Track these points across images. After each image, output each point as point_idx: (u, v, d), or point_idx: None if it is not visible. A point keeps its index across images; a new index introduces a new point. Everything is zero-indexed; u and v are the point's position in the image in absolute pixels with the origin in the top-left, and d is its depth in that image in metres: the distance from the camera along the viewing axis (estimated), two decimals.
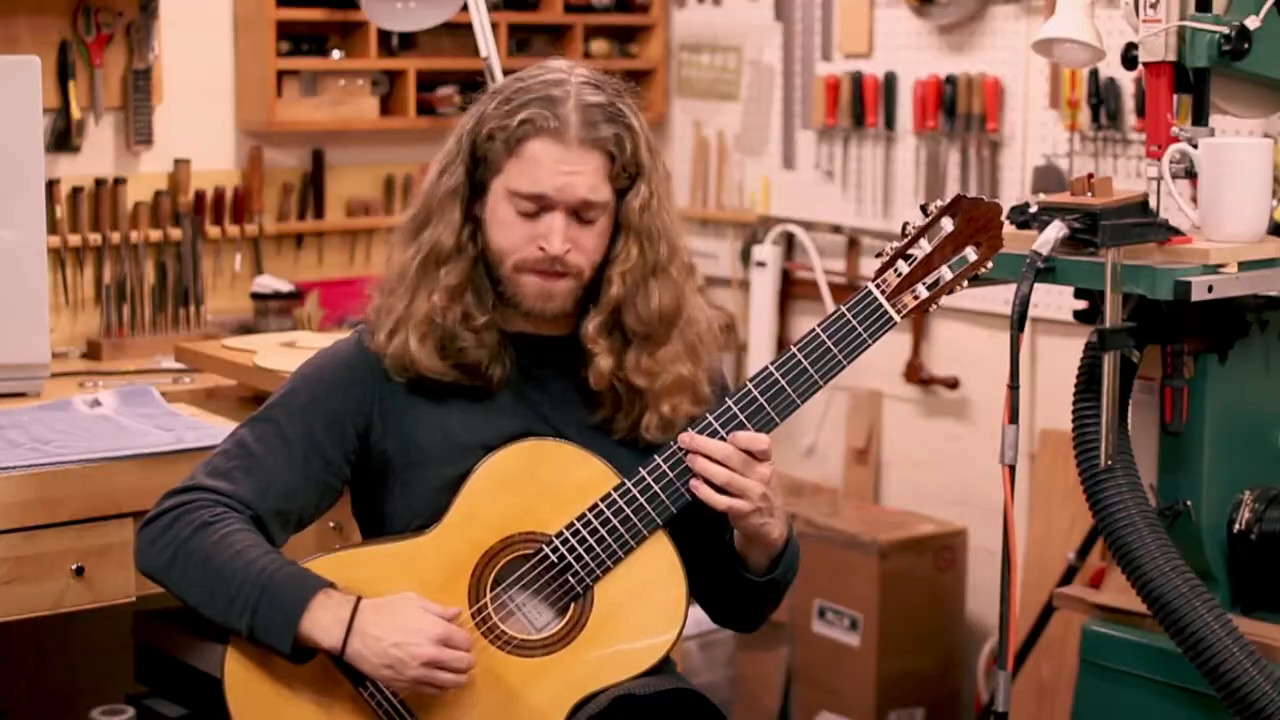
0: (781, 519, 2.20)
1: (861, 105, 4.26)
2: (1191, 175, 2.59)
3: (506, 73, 3.49)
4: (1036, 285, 2.45)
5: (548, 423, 2.22)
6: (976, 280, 2.20)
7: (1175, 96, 2.64)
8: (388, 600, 2.09)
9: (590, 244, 2.17)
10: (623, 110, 2.18)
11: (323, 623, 2.07)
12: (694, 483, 2.13)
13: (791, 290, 4.52)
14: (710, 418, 2.15)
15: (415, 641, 2.05)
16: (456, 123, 2.26)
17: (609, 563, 2.15)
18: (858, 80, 4.26)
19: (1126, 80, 3.68)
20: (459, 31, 4.06)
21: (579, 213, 2.16)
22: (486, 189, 2.19)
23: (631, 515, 2.14)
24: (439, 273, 2.19)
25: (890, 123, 4.22)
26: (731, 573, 2.24)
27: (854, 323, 2.15)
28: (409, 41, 4.34)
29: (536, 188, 2.14)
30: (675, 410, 2.20)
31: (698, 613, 2.32)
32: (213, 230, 4.06)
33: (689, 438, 2.13)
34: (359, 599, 2.09)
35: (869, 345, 2.16)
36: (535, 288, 2.17)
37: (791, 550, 2.25)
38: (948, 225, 2.15)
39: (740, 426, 2.14)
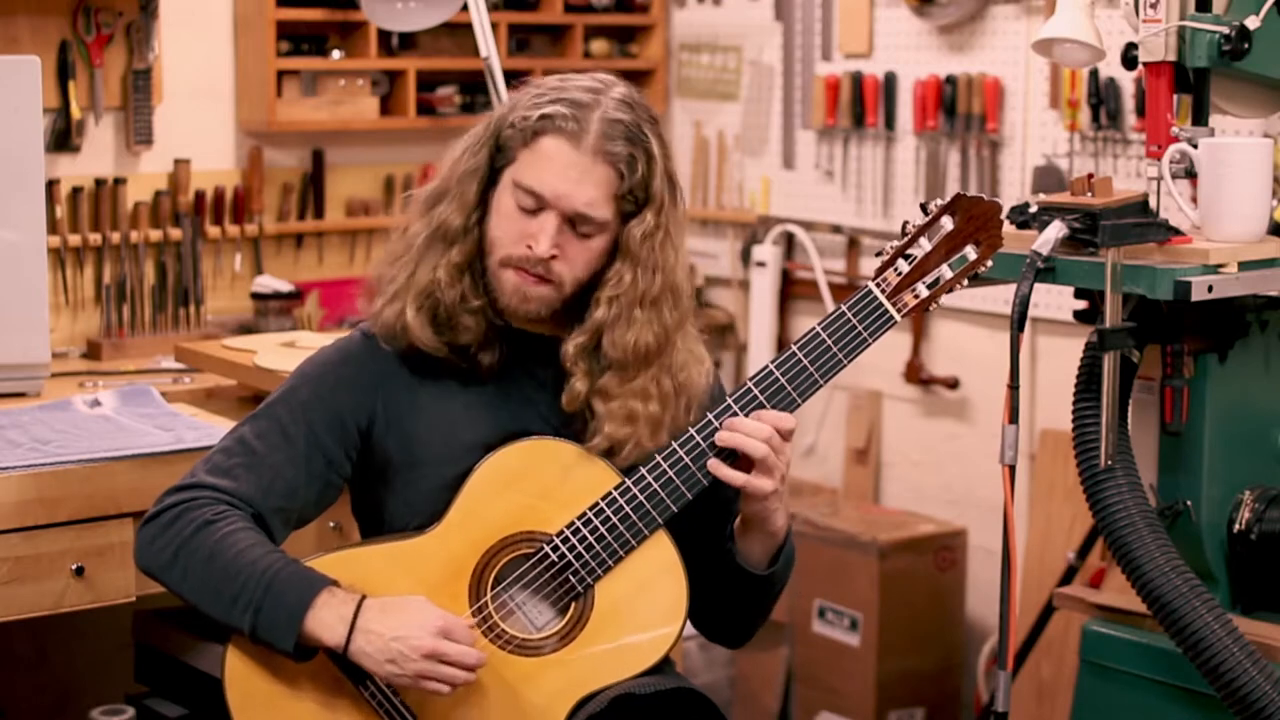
0: (785, 509, 2.20)
1: (861, 105, 4.26)
2: (1191, 175, 2.59)
3: (506, 73, 3.50)
4: (1036, 285, 2.45)
5: (548, 422, 2.22)
6: (976, 279, 2.20)
7: (1175, 96, 2.64)
8: (392, 599, 2.10)
9: (579, 258, 2.16)
10: (646, 135, 2.17)
11: (326, 621, 2.07)
12: (712, 462, 2.13)
13: (791, 290, 4.52)
14: (710, 415, 2.15)
15: (416, 635, 2.05)
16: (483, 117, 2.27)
17: (610, 562, 2.15)
18: (858, 80, 4.26)
19: (1126, 80, 3.68)
20: (459, 31, 4.06)
21: (574, 223, 2.15)
22: (497, 178, 2.19)
23: (632, 514, 2.14)
24: (447, 250, 2.19)
25: (890, 123, 4.22)
26: (730, 568, 2.23)
27: (854, 322, 2.15)
28: (409, 41, 4.34)
29: (538, 186, 2.14)
30: (622, 441, 2.16)
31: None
32: (213, 230, 4.06)
33: (728, 423, 2.13)
34: (363, 597, 2.09)
35: (869, 344, 2.16)
36: (513, 285, 2.17)
37: (789, 549, 2.25)
38: (947, 224, 2.15)
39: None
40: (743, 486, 2.13)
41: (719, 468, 2.13)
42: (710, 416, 2.15)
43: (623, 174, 2.15)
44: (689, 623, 2.21)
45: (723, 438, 2.13)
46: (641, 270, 2.17)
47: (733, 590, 2.26)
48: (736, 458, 2.14)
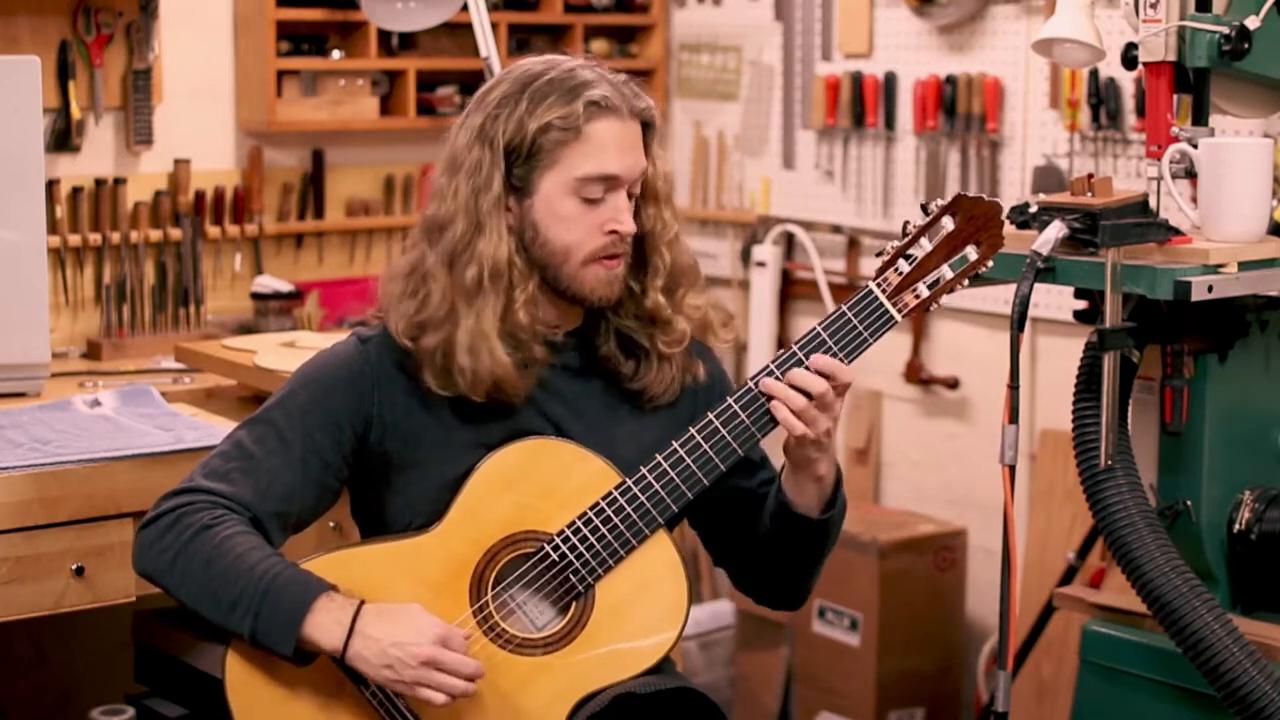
0: (831, 459, 2.18)
1: (861, 105, 4.26)
2: (1191, 175, 2.59)
3: None
4: (1036, 285, 2.45)
5: (552, 418, 2.22)
6: (977, 279, 2.20)
7: (1175, 96, 2.64)
8: (390, 605, 2.10)
9: (634, 217, 2.21)
10: (633, 81, 2.23)
11: (325, 625, 2.07)
12: (774, 403, 2.12)
13: (791, 290, 4.52)
14: (711, 415, 2.15)
15: (415, 641, 2.05)
16: (452, 130, 2.23)
17: (610, 561, 2.15)
18: (858, 80, 4.26)
19: (1126, 80, 3.68)
20: (459, 31, 4.06)
21: (630, 189, 2.19)
22: (532, 188, 2.17)
23: (633, 514, 2.14)
24: (508, 288, 2.16)
25: (890, 123, 4.22)
26: (784, 517, 2.20)
27: (855, 322, 2.15)
28: (409, 41, 4.34)
29: (607, 168, 2.15)
30: (728, 334, 2.30)
31: (698, 612, 2.32)
32: (213, 230, 4.06)
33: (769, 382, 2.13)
34: (361, 602, 2.09)
35: (870, 344, 2.16)
36: (603, 276, 2.18)
37: (841, 498, 2.24)
38: (948, 224, 2.15)
39: (741, 424, 2.14)
40: (789, 427, 2.12)
41: (771, 400, 2.12)
42: (711, 416, 2.15)
43: (650, 124, 2.21)
44: (692, 616, 2.20)
45: (766, 385, 2.12)
46: (669, 206, 2.25)
47: (787, 540, 2.23)
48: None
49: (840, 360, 2.14)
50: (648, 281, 2.24)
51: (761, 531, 2.25)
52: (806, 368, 2.13)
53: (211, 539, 2.11)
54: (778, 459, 2.25)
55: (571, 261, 2.17)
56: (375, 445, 2.22)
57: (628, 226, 2.17)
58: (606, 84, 2.17)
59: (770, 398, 2.12)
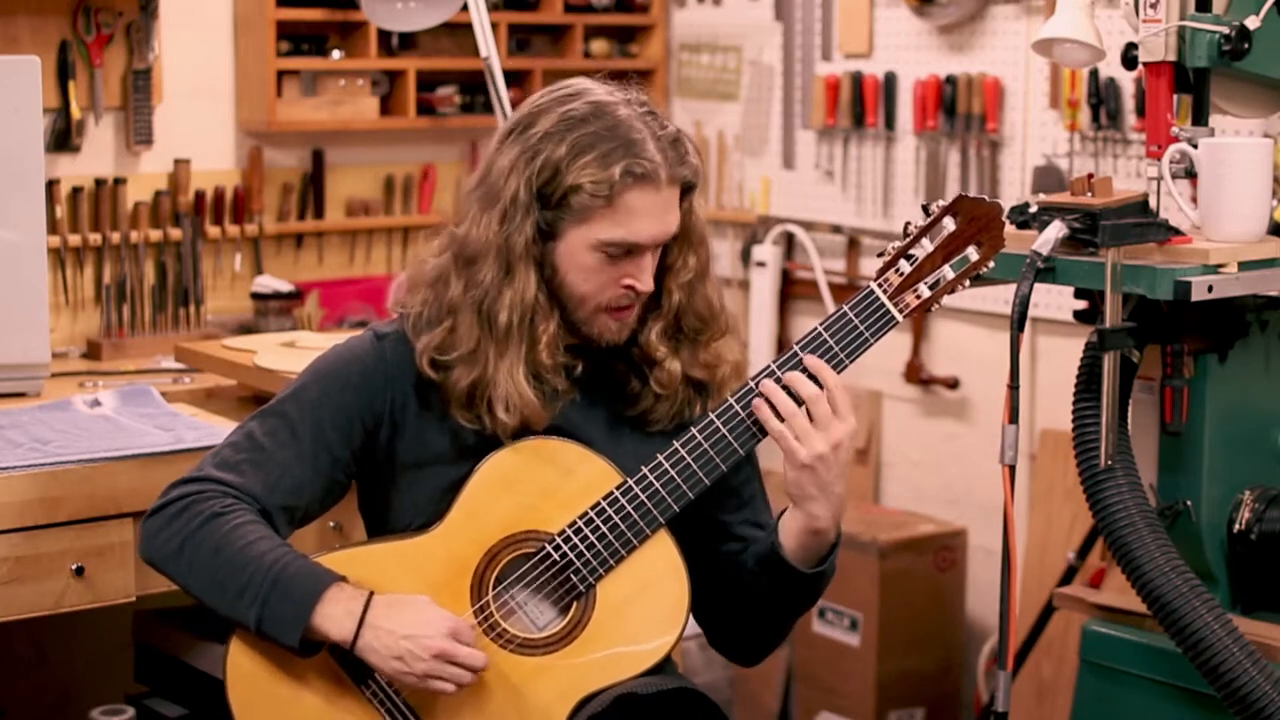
0: (831, 506, 2.13)
1: (861, 105, 4.26)
2: (1191, 175, 2.59)
3: (506, 73, 3.50)
4: (1036, 285, 2.45)
5: (557, 421, 2.21)
6: (978, 280, 2.20)
7: (1175, 96, 2.64)
8: (400, 597, 2.10)
9: (654, 268, 2.20)
10: (685, 137, 2.21)
11: (334, 616, 2.07)
12: (756, 401, 2.12)
13: (791, 290, 4.52)
14: (712, 415, 2.15)
15: (427, 634, 2.05)
16: (491, 144, 2.21)
17: (611, 561, 2.15)
18: (858, 80, 4.26)
19: (1126, 80, 3.68)
20: (459, 31, 4.06)
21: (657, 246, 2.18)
22: (558, 233, 2.16)
23: (634, 514, 2.14)
24: (534, 325, 2.16)
25: (890, 123, 4.22)
26: (771, 562, 2.17)
27: (856, 322, 2.15)
28: (409, 41, 4.34)
29: (634, 238, 2.14)
30: (720, 384, 2.26)
31: (698, 626, 2.31)
32: (213, 230, 4.06)
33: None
34: (372, 593, 2.09)
35: (871, 344, 2.16)
36: (616, 325, 2.19)
37: (833, 564, 2.20)
38: (949, 225, 2.16)
39: (741, 422, 2.14)
40: (778, 438, 2.11)
41: (760, 408, 2.11)
42: (712, 415, 2.15)
43: (691, 185, 2.20)
44: (700, 628, 2.20)
45: (765, 387, 2.11)
46: (700, 247, 2.24)
47: (766, 588, 2.20)
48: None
49: (842, 359, 2.14)
50: (649, 320, 2.23)
51: (740, 574, 2.23)
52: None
53: (220, 527, 2.11)
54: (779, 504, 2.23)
55: (585, 308, 2.18)
56: (384, 442, 2.22)
57: (645, 285, 2.16)
58: (652, 145, 2.14)
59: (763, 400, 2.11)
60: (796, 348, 2.15)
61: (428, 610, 2.08)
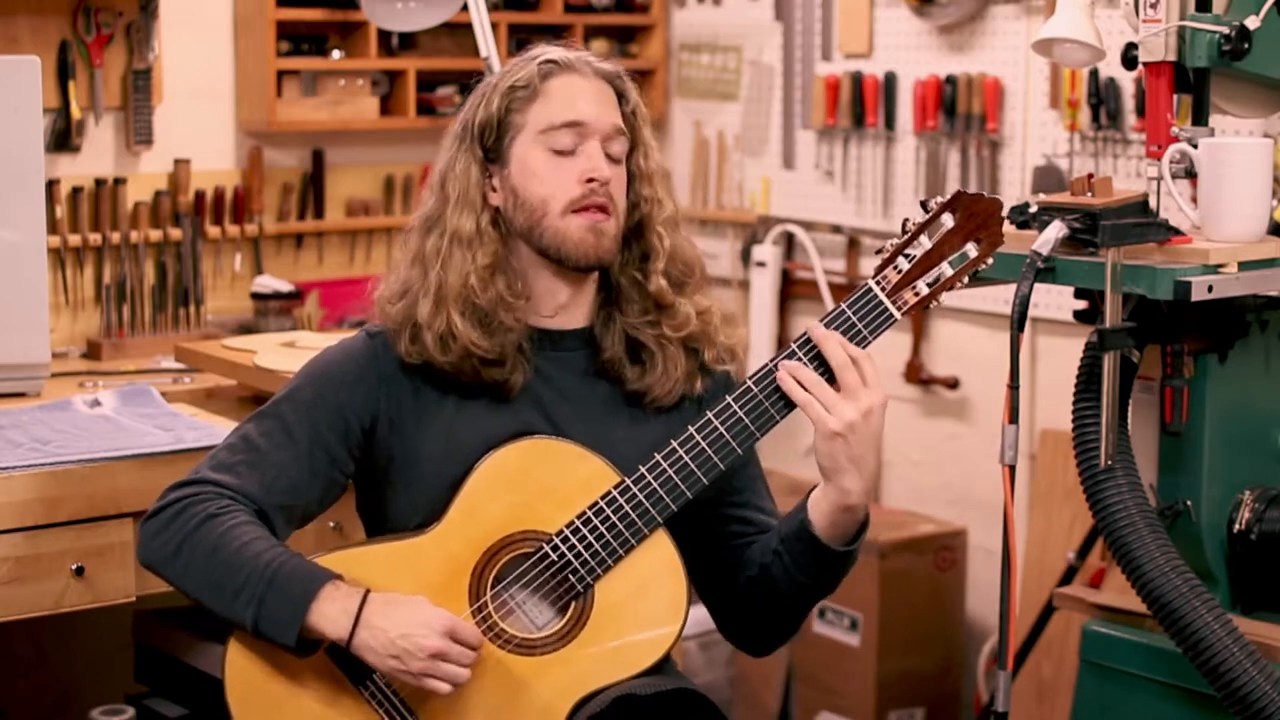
0: (863, 480, 2.11)
1: (861, 105, 4.26)
2: (1191, 175, 2.59)
3: None
4: (1036, 285, 2.45)
5: (554, 418, 2.22)
6: (977, 278, 2.20)
7: (1175, 96, 2.64)
8: (397, 596, 2.10)
9: (619, 182, 2.23)
10: (618, 65, 2.28)
11: (330, 614, 2.07)
12: (780, 374, 2.11)
13: (791, 290, 4.52)
14: (710, 414, 2.15)
15: (423, 634, 2.05)
16: (446, 132, 2.29)
17: (609, 561, 2.15)
18: (858, 80, 4.26)
19: (1126, 80, 3.68)
20: (459, 31, 4.06)
21: (606, 147, 2.20)
22: (506, 158, 2.21)
23: (632, 513, 2.14)
24: (468, 255, 2.19)
25: (890, 123, 4.22)
26: (800, 541, 2.16)
27: (854, 319, 2.15)
28: (409, 41, 4.34)
29: (572, 114, 2.19)
30: (730, 337, 2.28)
31: (698, 612, 2.31)
32: (213, 230, 4.06)
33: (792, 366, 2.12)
34: (368, 591, 2.09)
35: (870, 342, 2.15)
36: (585, 225, 2.19)
37: (858, 547, 2.19)
38: (948, 221, 2.15)
39: (739, 421, 2.14)
40: (804, 407, 2.10)
41: (784, 380, 2.11)
42: (709, 415, 2.15)
43: (623, 93, 2.24)
44: (692, 616, 2.20)
45: (786, 366, 2.12)
46: (663, 186, 2.28)
47: (792, 569, 2.18)
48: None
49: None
50: (650, 265, 2.25)
51: (753, 558, 2.23)
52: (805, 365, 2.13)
53: (216, 528, 2.11)
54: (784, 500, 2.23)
55: (550, 213, 2.19)
56: (381, 441, 2.22)
57: (602, 172, 2.18)
58: (575, 54, 2.24)
59: (788, 380, 2.12)
60: (795, 346, 2.15)
61: (424, 609, 2.08)
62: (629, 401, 2.26)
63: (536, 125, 2.20)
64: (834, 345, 2.11)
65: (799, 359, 2.13)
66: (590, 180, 2.17)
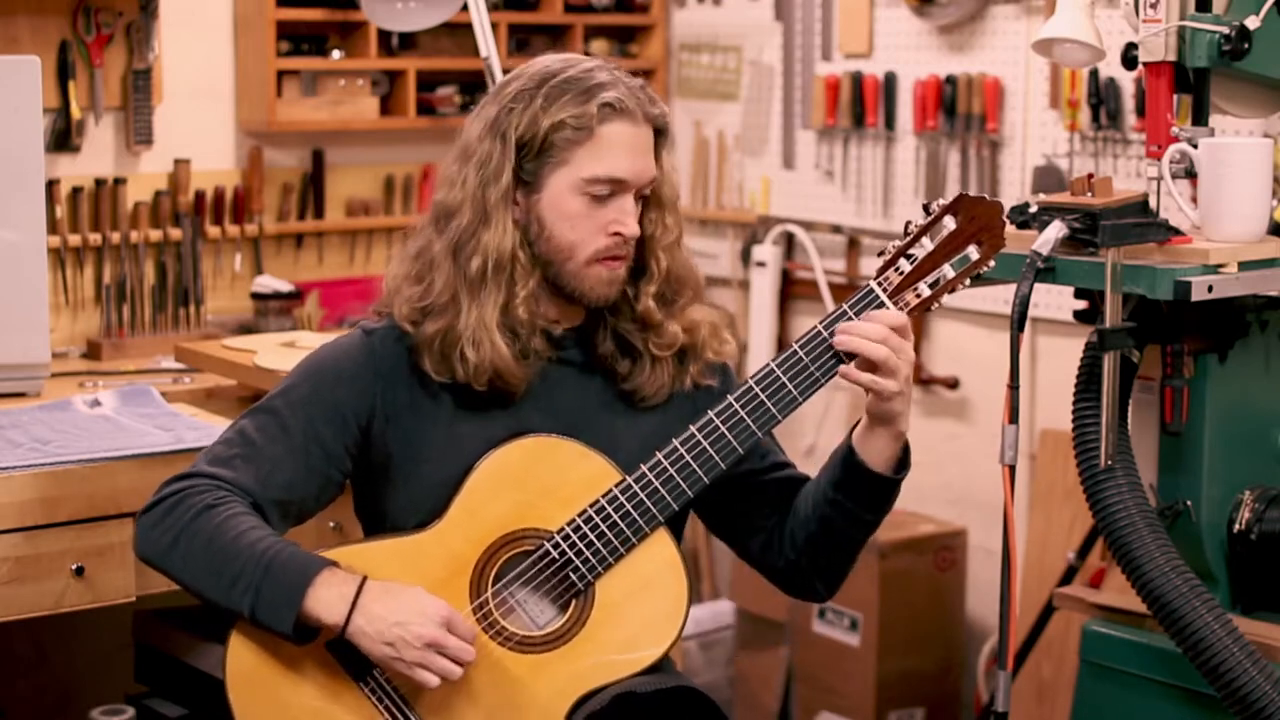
0: (909, 412, 2.17)
1: (861, 105, 4.26)
2: (1191, 175, 2.59)
3: (506, 73, 3.49)
4: (1036, 285, 2.45)
5: (554, 416, 2.22)
6: (978, 279, 2.20)
7: (1175, 96, 2.64)
8: (394, 584, 2.10)
9: (637, 220, 2.22)
10: (649, 88, 2.24)
11: (326, 599, 2.07)
12: (843, 367, 2.12)
13: (791, 290, 4.52)
14: (710, 414, 2.15)
15: (418, 622, 2.05)
16: (467, 121, 2.24)
17: (610, 559, 2.15)
18: (858, 80, 4.26)
19: (1126, 80, 3.68)
20: (459, 31, 4.06)
21: (637, 193, 2.19)
22: (540, 184, 2.18)
23: (633, 511, 2.14)
24: (513, 280, 2.18)
25: (890, 123, 4.22)
26: (855, 476, 2.17)
27: (856, 320, 2.15)
28: (409, 41, 4.34)
29: (615, 172, 2.16)
30: (719, 353, 2.29)
31: (698, 612, 2.31)
32: (213, 230, 4.06)
33: (843, 328, 2.12)
34: (365, 578, 2.09)
35: None
36: (604, 276, 2.19)
37: (908, 466, 2.22)
38: (950, 224, 2.15)
39: (740, 420, 2.14)
40: (869, 386, 2.11)
41: (849, 371, 2.12)
42: (711, 414, 2.15)
43: (662, 131, 2.22)
44: (691, 616, 2.19)
45: (840, 341, 2.12)
46: (672, 211, 2.26)
47: (849, 511, 2.20)
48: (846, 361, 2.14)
49: (841, 358, 2.14)
50: (642, 286, 2.24)
51: (811, 506, 2.23)
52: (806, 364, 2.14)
53: (213, 519, 2.11)
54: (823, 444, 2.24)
55: (575, 259, 2.18)
56: (378, 438, 2.22)
57: (631, 229, 2.17)
58: (623, 87, 2.18)
59: (845, 357, 2.12)
60: (796, 345, 2.15)
61: (421, 598, 2.08)
62: (623, 397, 2.26)
63: (580, 170, 2.16)
64: (863, 343, 2.11)
65: (778, 371, 2.14)
66: (617, 234, 2.17)
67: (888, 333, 2.11)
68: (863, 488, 2.19)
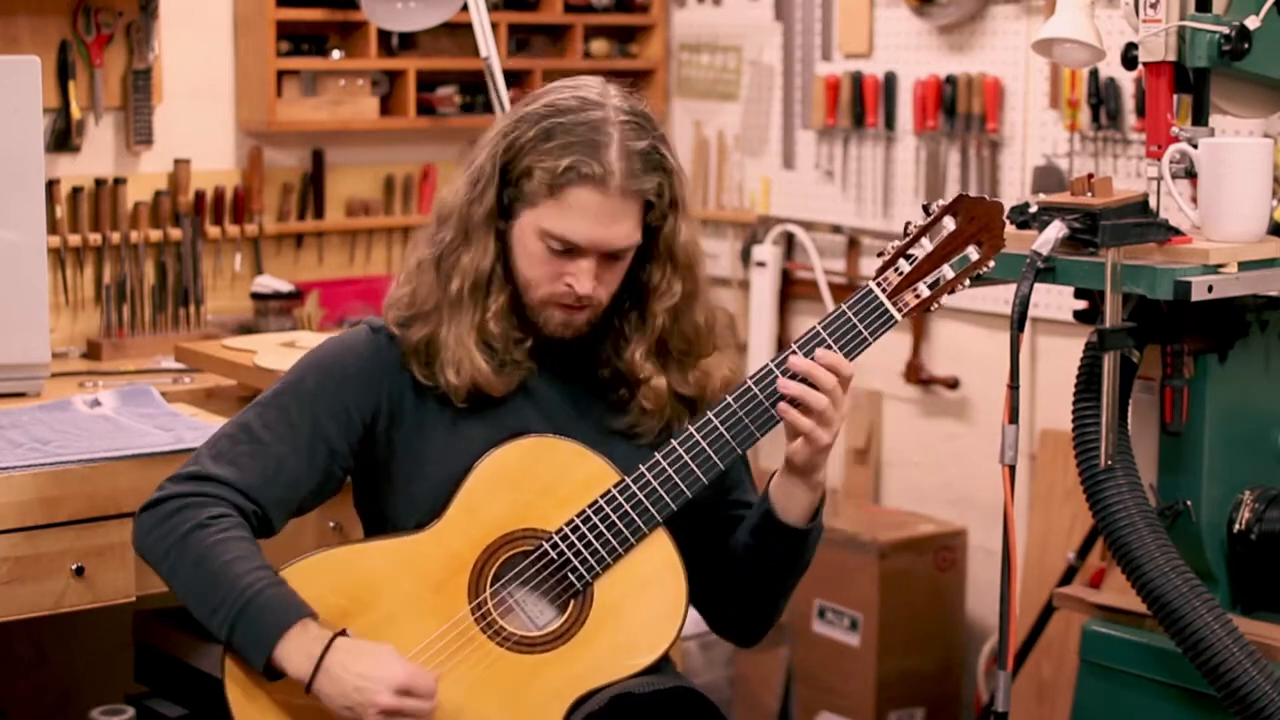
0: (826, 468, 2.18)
1: (861, 105, 4.26)
2: (1191, 175, 2.59)
3: (506, 73, 3.50)
4: (1036, 285, 2.45)
5: (554, 422, 2.22)
6: (978, 280, 2.20)
7: (1175, 96, 2.64)
8: (363, 644, 2.08)
9: (614, 278, 2.19)
10: (665, 155, 2.17)
11: (294, 656, 2.06)
12: (781, 406, 2.11)
13: (791, 290, 4.52)
14: (710, 414, 2.15)
15: (376, 689, 2.03)
16: (491, 125, 2.23)
17: (609, 560, 2.15)
18: (858, 80, 4.26)
19: (1126, 80, 3.68)
20: (459, 31, 4.06)
21: (608, 256, 2.17)
22: (514, 213, 2.18)
23: (631, 512, 2.14)
24: (486, 298, 2.18)
25: (890, 123, 4.22)
26: (768, 529, 2.18)
27: (855, 321, 2.15)
28: (409, 41, 4.34)
29: (573, 237, 2.13)
30: (707, 400, 2.24)
31: (697, 612, 2.31)
32: (213, 230, 4.06)
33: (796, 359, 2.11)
34: (335, 636, 2.07)
35: (870, 343, 2.16)
36: (559, 320, 2.19)
37: (821, 518, 2.22)
38: (949, 224, 2.15)
39: (740, 421, 2.14)
40: (807, 434, 2.11)
41: (787, 411, 2.11)
42: (710, 414, 2.15)
43: (652, 202, 2.17)
44: (692, 616, 2.20)
45: (786, 385, 2.11)
46: (686, 272, 2.22)
47: (764, 557, 2.21)
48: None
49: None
50: (634, 336, 2.23)
51: (735, 551, 2.23)
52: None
53: (204, 539, 2.11)
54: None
55: (530, 294, 2.19)
56: (381, 436, 2.22)
57: (583, 288, 2.14)
58: (614, 152, 2.12)
59: (782, 398, 2.11)
60: (795, 346, 2.15)
61: (385, 663, 2.06)
62: (619, 431, 2.25)
63: (540, 220, 2.14)
64: (821, 374, 2.10)
65: (777, 372, 2.13)
66: (569, 287, 2.15)
67: (835, 384, 2.10)
68: (777, 539, 2.19)
